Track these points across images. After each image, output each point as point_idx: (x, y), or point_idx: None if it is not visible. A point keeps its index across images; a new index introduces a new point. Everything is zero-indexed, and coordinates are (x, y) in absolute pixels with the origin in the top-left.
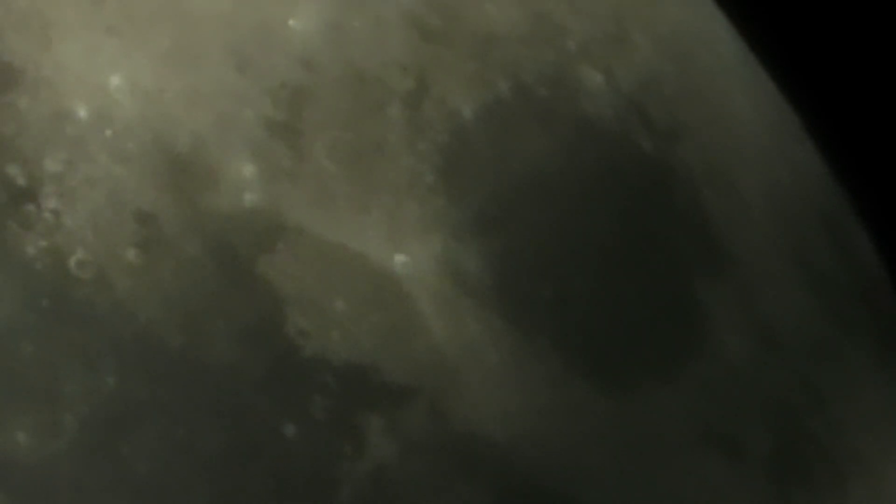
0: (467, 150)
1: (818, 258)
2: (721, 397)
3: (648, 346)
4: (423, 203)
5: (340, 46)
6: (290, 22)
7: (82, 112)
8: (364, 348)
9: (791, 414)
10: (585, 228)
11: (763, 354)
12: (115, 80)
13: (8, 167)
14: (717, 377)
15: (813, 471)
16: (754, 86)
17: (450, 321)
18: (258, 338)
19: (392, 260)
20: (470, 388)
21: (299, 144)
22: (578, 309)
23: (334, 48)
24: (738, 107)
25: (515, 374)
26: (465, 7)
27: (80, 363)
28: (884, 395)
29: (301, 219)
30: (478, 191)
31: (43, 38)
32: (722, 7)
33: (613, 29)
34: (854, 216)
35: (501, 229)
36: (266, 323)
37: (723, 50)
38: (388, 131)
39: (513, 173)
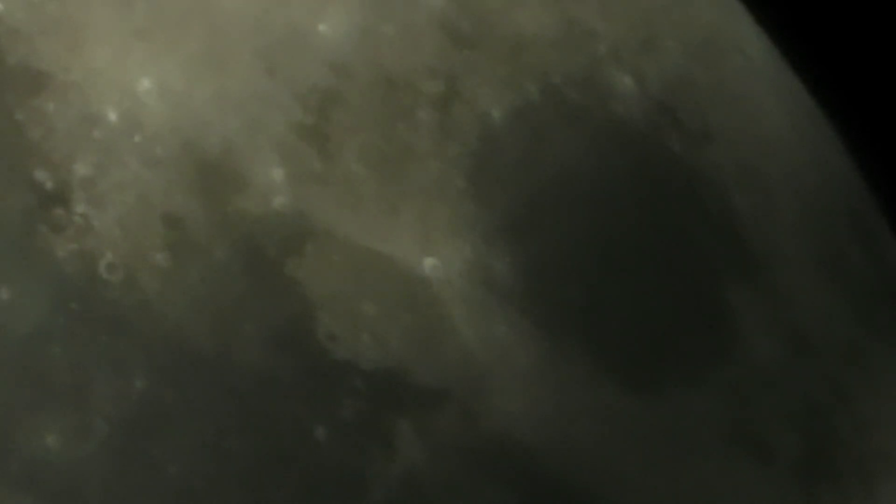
0: (497, 153)
1: (847, 260)
2: (750, 399)
3: (678, 348)
4: (453, 206)
5: (370, 50)
6: (320, 26)
7: (111, 116)
8: (394, 351)
9: (819, 416)
10: (615, 231)
11: (792, 357)
12: (144, 84)
13: (37, 171)
14: (747, 379)
15: (841, 472)
16: (784, 88)
17: (479, 324)
18: (288, 341)
19: (422, 263)
20: (499, 390)
21: (328, 148)
22: (608, 312)
23: (364, 52)
24: (768, 109)
25: (545, 376)
26: (494, 11)
27: (109, 366)
28: None
29: (330, 222)
30: (507, 194)
31: (72, 42)
32: (751, 9)
33: (643, 32)
34: (884, 218)
35: (531, 232)
36: (296, 326)
37: (752, 52)
38: (417, 135)
39: (542, 176)
